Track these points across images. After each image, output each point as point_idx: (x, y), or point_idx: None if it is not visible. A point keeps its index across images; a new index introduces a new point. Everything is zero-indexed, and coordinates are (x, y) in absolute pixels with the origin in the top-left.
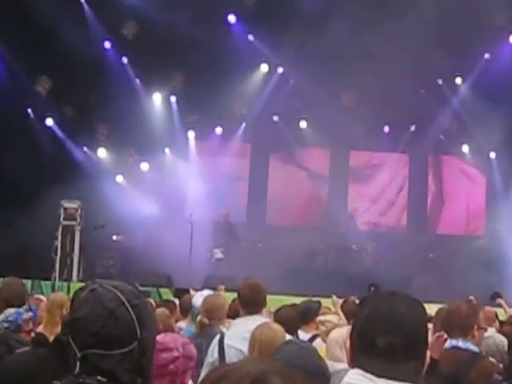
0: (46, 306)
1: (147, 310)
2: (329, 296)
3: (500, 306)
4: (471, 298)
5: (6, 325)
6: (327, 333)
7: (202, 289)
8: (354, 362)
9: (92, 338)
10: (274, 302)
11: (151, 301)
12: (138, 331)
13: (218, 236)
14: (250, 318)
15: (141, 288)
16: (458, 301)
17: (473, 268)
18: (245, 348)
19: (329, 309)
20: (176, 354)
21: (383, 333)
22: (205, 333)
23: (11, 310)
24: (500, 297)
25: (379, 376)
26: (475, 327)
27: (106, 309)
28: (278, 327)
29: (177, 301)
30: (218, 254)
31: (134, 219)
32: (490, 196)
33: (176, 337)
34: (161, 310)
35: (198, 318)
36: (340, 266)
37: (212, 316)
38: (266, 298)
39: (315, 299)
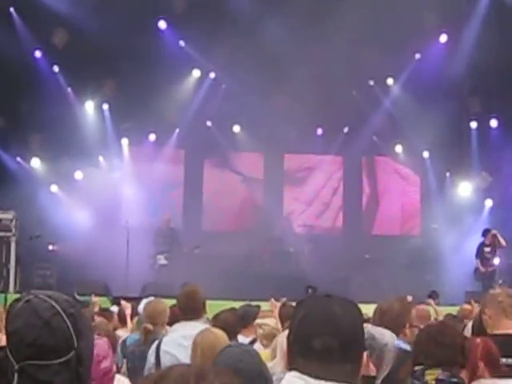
0: None
1: (83, 319)
2: (267, 299)
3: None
4: (409, 297)
5: None
6: (265, 336)
7: (144, 296)
8: (291, 365)
9: (28, 349)
10: (213, 306)
11: (95, 307)
12: (75, 340)
13: (161, 242)
14: (187, 324)
15: (78, 297)
16: (390, 299)
17: (409, 267)
18: (179, 354)
19: (271, 312)
20: (109, 359)
21: (319, 335)
22: (149, 340)
23: None
24: (437, 296)
25: (316, 378)
26: (407, 325)
27: (41, 319)
28: (220, 332)
29: (115, 309)
30: (162, 260)
31: (69, 228)
32: (424, 195)
33: (101, 342)
34: (101, 319)
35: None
36: (277, 269)
37: (155, 321)
38: (205, 303)
39: (254, 303)
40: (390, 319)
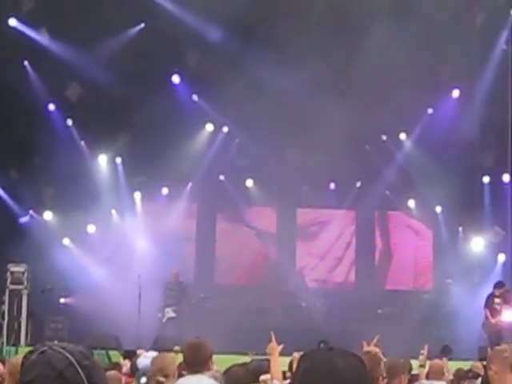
0: (8, 369)
1: (98, 371)
2: (280, 354)
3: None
4: (423, 352)
5: None
6: None
7: (152, 349)
8: None
9: None
10: (224, 361)
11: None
12: None
13: (170, 295)
14: (192, 378)
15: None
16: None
17: (422, 322)
18: None
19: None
20: None
21: None
22: None
23: None
24: (449, 351)
25: None
26: (380, 378)
27: (54, 370)
28: None
29: (126, 362)
30: (170, 313)
31: (81, 281)
32: (437, 250)
33: None
34: (114, 372)
35: (143, 379)
36: (289, 323)
37: (167, 373)
38: (211, 357)
39: (266, 357)
40: None
